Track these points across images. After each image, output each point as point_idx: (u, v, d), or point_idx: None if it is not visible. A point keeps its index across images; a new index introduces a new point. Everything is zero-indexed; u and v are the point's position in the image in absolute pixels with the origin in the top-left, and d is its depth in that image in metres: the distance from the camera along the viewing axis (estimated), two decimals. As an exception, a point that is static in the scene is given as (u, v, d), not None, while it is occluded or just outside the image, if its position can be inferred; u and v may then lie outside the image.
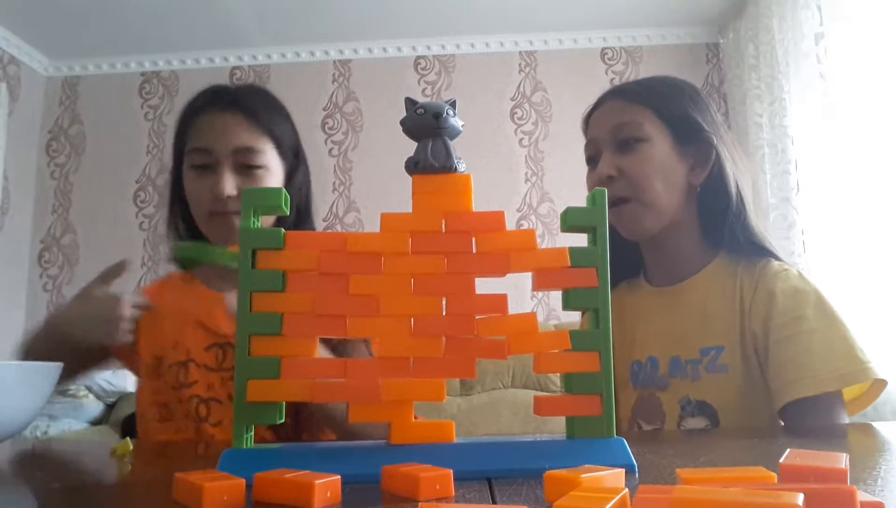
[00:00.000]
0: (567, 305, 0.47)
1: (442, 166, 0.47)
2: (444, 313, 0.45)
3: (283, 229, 0.46)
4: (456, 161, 0.47)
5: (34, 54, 3.23)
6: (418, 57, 3.27)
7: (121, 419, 2.56)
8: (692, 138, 0.88)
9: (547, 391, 2.56)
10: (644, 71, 3.16)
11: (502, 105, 3.20)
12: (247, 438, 0.45)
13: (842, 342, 0.77)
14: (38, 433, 2.38)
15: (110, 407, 2.73)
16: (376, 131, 3.19)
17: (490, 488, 0.39)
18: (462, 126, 0.49)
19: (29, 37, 3.12)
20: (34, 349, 0.88)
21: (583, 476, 0.32)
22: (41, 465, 0.60)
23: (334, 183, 3.18)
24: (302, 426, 0.88)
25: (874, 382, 0.78)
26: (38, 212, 3.26)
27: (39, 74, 3.31)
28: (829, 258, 2.24)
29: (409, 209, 0.47)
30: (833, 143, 2.23)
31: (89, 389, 2.68)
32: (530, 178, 3.14)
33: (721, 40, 3.12)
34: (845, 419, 0.78)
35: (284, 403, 0.46)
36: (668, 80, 0.94)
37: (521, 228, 2.90)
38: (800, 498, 0.24)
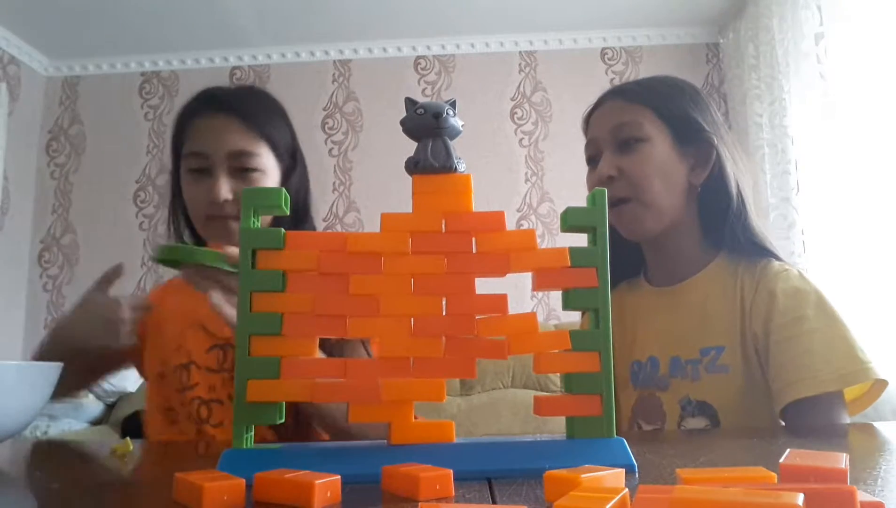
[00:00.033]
0: (567, 305, 0.47)
1: (442, 166, 0.47)
2: (444, 313, 0.45)
3: (283, 229, 0.46)
4: (456, 161, 0.47)
5: (34, 54, 3.23)
6: (418, 57, 3.27)
7: (121, 419, 2.56)
8: (692, 138, 0.88)
9: (547, 391, 2.56)
10: (644, 71, 3.16)
11: (502, 105, 3.20)
12: (247, 438, 0.45)
13: (842, 342, 0.77)
14: (38, 433, 2.39)
15: (110, 407, 2.73)
16: (376, 131, 3.19)
17: (490, 488, 0.39)
18: (462, 126, 0.49)
19: (29, 37, 3.12)
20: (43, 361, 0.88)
21: (583, 476, 0.32)
22: (41, 465, 0.60)
23: (334, 183, 3.18)
24: (302, 426, 0.89)
25: (875, 382, 0.78)
26: (38, 212, 3.26)
27: (39, 74, 3.31)
28: (829, 258, 2.24)
29: (409, 209, 0.47)
30: (833, 143, 2.23)
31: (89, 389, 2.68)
32: (530, 178, 3.14)
33: (721, 40, 3.12)
34: (846, 419, 0.78)
35: (284, 403, 0.46)
36: (669, 80, 0.94)
37: (521, 228, 2.90)
38: (800, 498, 0.24)
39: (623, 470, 0.36)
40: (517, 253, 0.47)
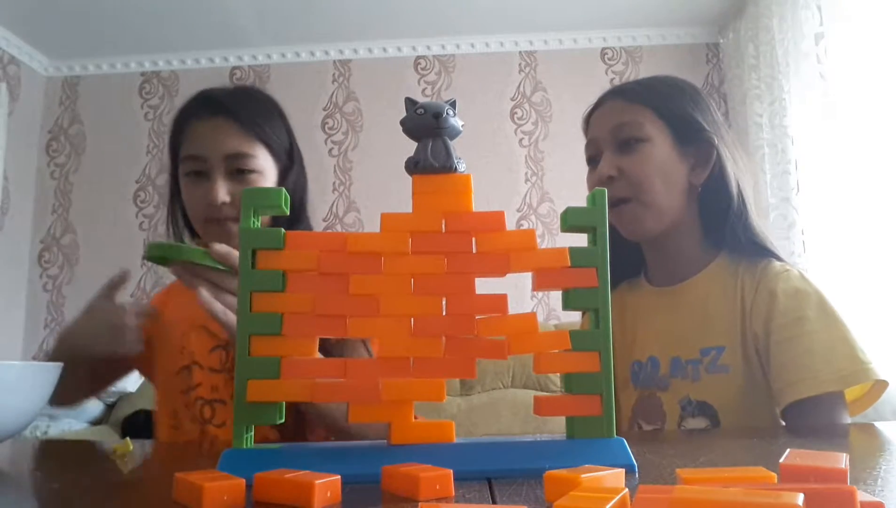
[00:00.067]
0: (567, 305, 0.47)
1: (442, 166, 0.47)
2: (444, 313, 0.45)
3: (282, 230, 0.46)
4: (456, 161, 0.47)
5: (34, 54, 3.23)
6: (418, 57, 3.27)
7: (121, 419, 2.56)
8: (693, 138, 0.88)
9: (547, 391, 2.56)
10: (644, 71, 3.16)
11: (502, 105, 3.20)
12: (247, 438, 0.45)
13: (843, 342, 0.77)
14: (38, 433, 2.38)
15: (110, 407, 2.73)
16: (376, 131, 3.19)
17: (490, 488, 0.39)
18: (462, 126, 0.49)
19: (29, 37, 3.12)
20: None
21: (583, 476, 0.32)
22: (41, 465, 0.60)
23: (334, 183, 3.18)
24: (304, 425, 0.89)
25: (875, 383, 0.78)
26: (38, 212, 3.26)
27: (39, 74, 3.31)
28: (829, 258, 2.24)
29: (409, 209, 0.47)
30: (833, 143, 2.23)
31: (89, 389, 2.68)
32: (530, 178, 3.14)
33: (721, 40, 3.12)
34: (847, 419, 0.78)
35: (284, 403, 0.46)
36: (669, 79, 0.94)
37: (521, 228, 2.90)
38: (800, 498, 0.24)
39: (623, 470, 0.36)
40: (517, 253, 0.47)
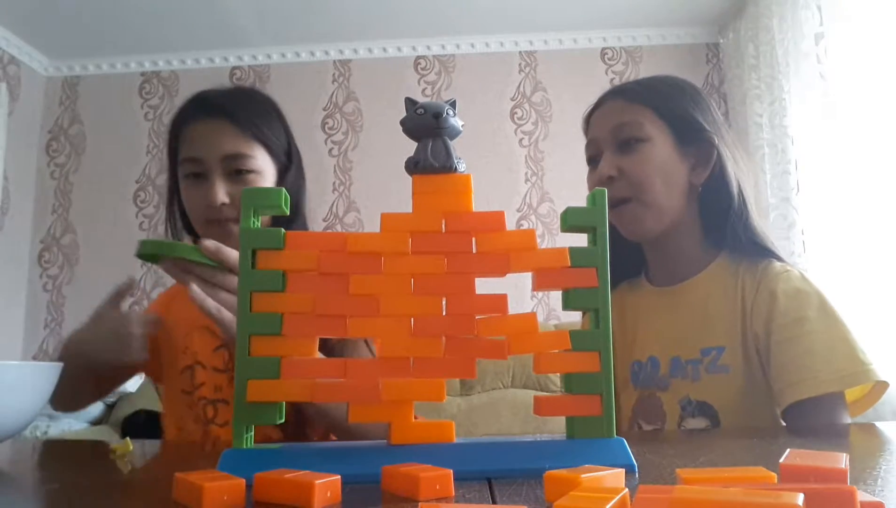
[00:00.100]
0: (567, 305, 0.47)
1: (442, 166, 0.47)
2: (444, 313, 0.45)
3: (282, 230, 0.46)
4: (456, 161, 0.47)
5: (34, 54, 3.23)
6: (418, 57, 3.27)
7: (121, 419, 2.56)
8: (693, 138, 0.88)
9: (547, 391, 2.56)
10: (644, 71, 3.16)
11: (502, 105, 3.20)
12: (247, 438, 0.45)
13: (843, 343, 0.77)
14: (38, 433, 2.38)
15: (110, 407, 2.73)
16: (376, 131, 3.19)
17: (490, 488, 0.39)
18: (462, 126, 0.49)
19: (29, 37, 3.12)
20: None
21: (583, 476, 0.32)
22: (41, 465, 0.60)
23: (334, 183, 3.18)
24: (305, 424, 0.89)
25: (875, 384, 0.78)
26: (38, 212, 3.26)
27: (39, 74, 3.31)
28: (829, 258, 2.24)
29: (409, 209, 0.47)
30: (833, 143, 2.23)
31: (89, 389, 2.68)
32: (530, 178, 3.14)
33: (721, 40, 3.12)
34: (847, 420, 0.78)
35: (284, 403, 0.46)
36: (669, 79, 0.94)
37: (521, 228, 2.90)
38: (800, 498, 0.24)
39: (623, 470, 0.36)
40: (517, 253, 0.47)
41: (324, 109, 3.25)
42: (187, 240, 0.99)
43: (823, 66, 2.32)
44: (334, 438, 0.87)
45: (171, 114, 1.10)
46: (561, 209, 0.54)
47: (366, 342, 0.87)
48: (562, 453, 0.43)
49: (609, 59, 3.22)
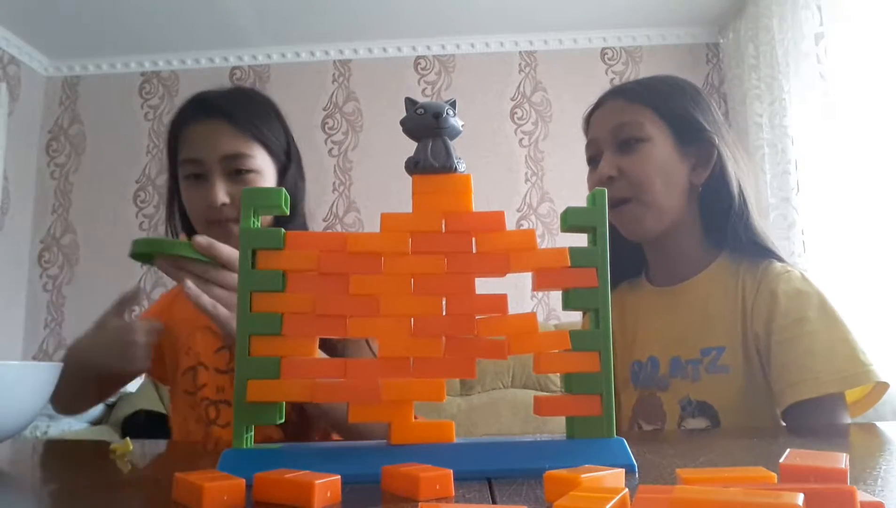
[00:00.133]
0: (567, 305, 0.47)
1: (442, 166, 0.47)
2: (444, 313, 0.45)
3: (282, 230, 0.46)
4: (456, 161, 0.47)
5: (34, 54, 3.23)
6: (418, 57, 3.27)
7: (121, 419, 2.55)
8: (693, 138, 0.88)
9: (547, 391, 2.56)
10: (644, 71, 3.16)
11: (502, 105, 3.20)
12: (247, 438, 0.45)
13: (844, 344, 0.77)
14: (38, 433, 2.38)
15: (110, 407, 2.73)
16: (376, 131, 3.19)
17: (490, 488, 0.39)
18: (462, 126, 0.49)
19: (29, 37, 3.12)
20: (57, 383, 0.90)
21: (583, 476, 0.32)
22: (41, 465, 0.60)
23: (334, 183, 3.18)
24: (308, 424, 0.89)
25: (876, 385, 0.78)
26: (38, 212, 3.26)
27: (39, 74, 3.31)
28: (829, 258, 2.24)
29: (409, 209, 0.47)
30: (833, 143, 2.23)
31: (89, 389, 2.67)
32: (530, 178, 3.14)
33: (721, 40, 3.12)
34: (847, 420, 0.78)
35: (284, 403, 0.46)
36: (669, 79, 0.94)
37: (521, 228, 2.90)
38: (800, 498, 0.24)
39: (623, 470, 0.36)
40: (517, 253, 0.47)
41: (324, 109, 3.25)
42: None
43: (823, 66, 2.32)
44: (337, 438, 0.88)
45: (170, 114, 1.10)
46: (561, 209, 0.54)
47: (367, 341, 0.87)
48: (562, 453, 0.43)
49: (609, 59, 3.22)
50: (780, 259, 0.87)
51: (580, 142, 0.97)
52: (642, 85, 0.92)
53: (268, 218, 0.88)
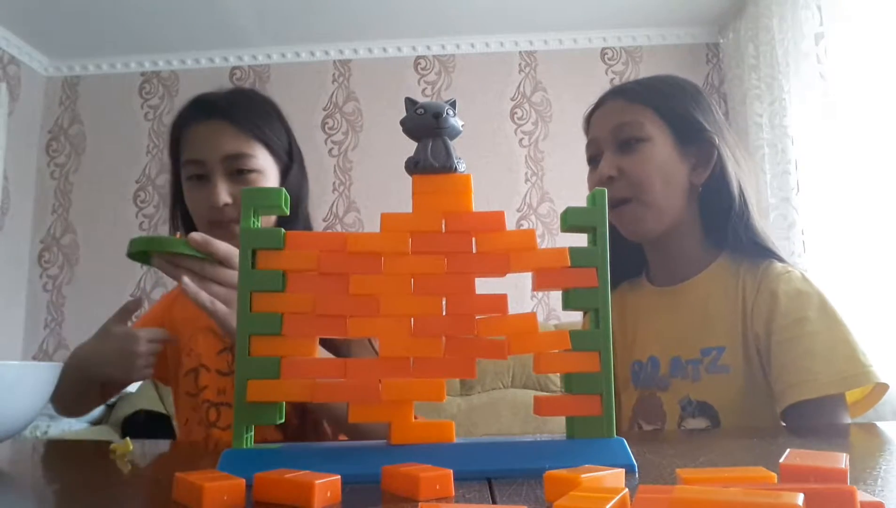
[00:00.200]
0: (567, 305, 0.47)
1: (442, 166, 0.47)
2: (444, 313, 0.45)
3: (282, 230, 0.46)
4: (456, 161, 0.47)
5: (34, 54, 3.23)
6: (418, 57, 3.27)
7: (121, 419, 2.55)
8: (694, 138, 0.88)
9: (547, 391, 2.56)
10: (644, 71, 3.16)
11: (502, 105, 3.20)
12: (247, 438, 0.45)
13: (844, 345, 0.77)
14: (38, 433, 2.38)
15: (110, 407, 2.73)
16: (376, 131, 3.19)
17: (490, 488, 0.39)
18: (462, 126, 0.49)
19: (29, 37, 3.12)
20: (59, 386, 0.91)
21: (583, 476, 0.32)
22: (41, 465, 0.60)
23: (334, 183, 3.18)
24: (309, 424, 0.89)
25: (875, 386, 0.78)
26: (38, 212, 3.26)
27: (39, 74, 3.31)
28: (829, 258, 2.24)
29: (409, 209, 0.47)
30: (833, 143, 2.23)
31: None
32: (530, 178, 3.14)
33: (721, 40, 3.12)
34: (847, 420, 0.78)
35: (284, 403, 0.46)
36: (670, 79, 0.94)
37: (521, 228, 2.90)
38: (800, 498, 0.24)
39: (623, 470, 0.36)
40: (517, 253, 0.47)
41: (324, 109, 3.25)
42: None
43: (823, 66, 2.32)
44: (343, 438, 0.88)
45: (171, 114, 1.10)
46: (561, 209, 0.54)
47: (369, 340, 0.87)
48: (562, 453, 0.43)
49: (609, 60, 3.22)
50: (781, 259, 0.87)
51: (580, 142, 0.97)
52: (643, 85, 0.92)
53: (271, 219, 0.88)
